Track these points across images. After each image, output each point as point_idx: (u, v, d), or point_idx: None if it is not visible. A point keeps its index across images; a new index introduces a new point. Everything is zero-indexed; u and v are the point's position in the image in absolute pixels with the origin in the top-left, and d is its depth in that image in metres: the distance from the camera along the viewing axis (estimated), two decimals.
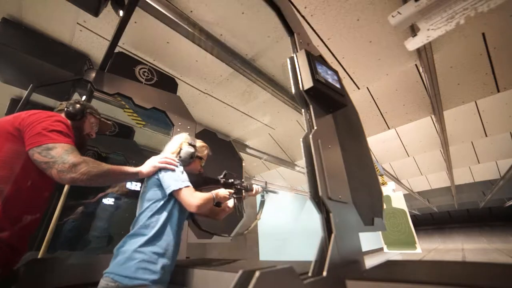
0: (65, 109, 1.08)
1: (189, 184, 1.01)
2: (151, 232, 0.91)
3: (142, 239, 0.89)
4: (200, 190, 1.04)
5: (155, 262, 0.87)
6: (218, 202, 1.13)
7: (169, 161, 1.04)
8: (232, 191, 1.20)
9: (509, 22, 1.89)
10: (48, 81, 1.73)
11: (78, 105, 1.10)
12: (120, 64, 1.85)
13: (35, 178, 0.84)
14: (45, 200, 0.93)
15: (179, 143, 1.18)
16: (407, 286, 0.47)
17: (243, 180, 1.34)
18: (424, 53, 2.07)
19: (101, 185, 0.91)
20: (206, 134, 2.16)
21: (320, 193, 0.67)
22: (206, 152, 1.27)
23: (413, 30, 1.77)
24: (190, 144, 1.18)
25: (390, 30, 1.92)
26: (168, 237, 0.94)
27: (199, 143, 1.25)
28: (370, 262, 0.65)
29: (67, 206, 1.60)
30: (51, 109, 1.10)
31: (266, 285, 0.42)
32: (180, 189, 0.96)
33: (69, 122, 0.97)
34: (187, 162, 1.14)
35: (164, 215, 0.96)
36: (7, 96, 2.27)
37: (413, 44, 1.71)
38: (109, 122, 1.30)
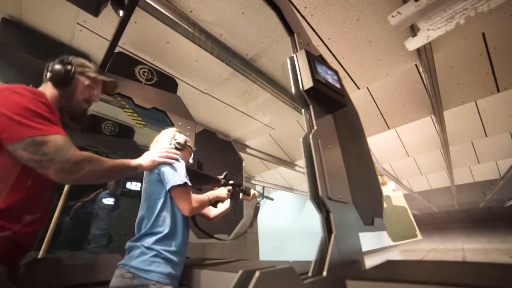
0: (48, 74, 0.85)
1: (188, 182, 0.99)
2: (163, 230, 0.92)
3: (154, 238, 0.91)
4: (200, 189, 1.04)
5: (167, 258, 0.90)
6: (214, 203, 1.13)
7: (170, 155, 1.01)
8: (230, 188, 1.20)
9: (509, 22, 1.88)
10: None
11: (64, 66, 0.85)
12: (120, 64, 1.85)
13: (34, 173, 0.73)
14: (49, 195, 0.85)
15: (172, 131, 1.20)
16: (407, 286, 0.47)
17: (242, 182, 1.34)
18: (424, 53, 2.07)
19: (103, 182, 0.88)
20: (206, 134, 2.16)
21: (320, 193, 0.67)
22: (191, 143, 1.29)
23: (413, 30, 1.77)
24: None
25: (390, 30, 1.92)
26: (177, 233, 0.96)
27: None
28: (370, 262, 0.65)
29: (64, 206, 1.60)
30: None
31: (266, 285, 0.42)
32: (178, 186, 0.95)
33: (46, 95, 0.79)
34: (183, 146, 1.15)
35: (170, 212, 0.96)
36: None
37: (413, 44, 1.71)
38: (112, 80, 1.06)
